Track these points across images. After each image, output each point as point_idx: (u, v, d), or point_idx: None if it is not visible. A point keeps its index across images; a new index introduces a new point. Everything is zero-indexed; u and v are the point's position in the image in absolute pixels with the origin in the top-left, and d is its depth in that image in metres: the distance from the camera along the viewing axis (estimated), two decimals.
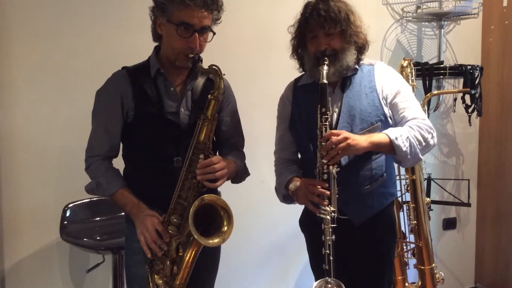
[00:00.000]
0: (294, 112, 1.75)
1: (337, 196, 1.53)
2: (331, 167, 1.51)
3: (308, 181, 1.58)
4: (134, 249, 1.61)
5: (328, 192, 1.51)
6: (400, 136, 1.54)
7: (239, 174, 1.72)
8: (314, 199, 1.53)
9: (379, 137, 1.55)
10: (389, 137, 1.53)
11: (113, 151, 1.66)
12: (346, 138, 1.47)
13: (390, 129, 1.59)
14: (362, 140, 1.51)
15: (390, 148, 1.54)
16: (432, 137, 1.61)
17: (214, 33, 1.59)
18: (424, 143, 1.59)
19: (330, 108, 1.54)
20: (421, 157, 1.61)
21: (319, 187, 1.52)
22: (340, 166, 1.55)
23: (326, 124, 1.51)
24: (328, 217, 1.49)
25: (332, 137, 1.47)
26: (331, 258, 1.50)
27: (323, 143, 1.50)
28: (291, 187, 1.67)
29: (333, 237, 1.51)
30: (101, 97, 1.64)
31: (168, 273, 1.50)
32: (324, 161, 1.50)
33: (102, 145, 1.63)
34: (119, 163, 1.70)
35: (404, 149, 1.53)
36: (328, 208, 1.50)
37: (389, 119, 1.64)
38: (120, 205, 1.62)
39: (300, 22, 1.66)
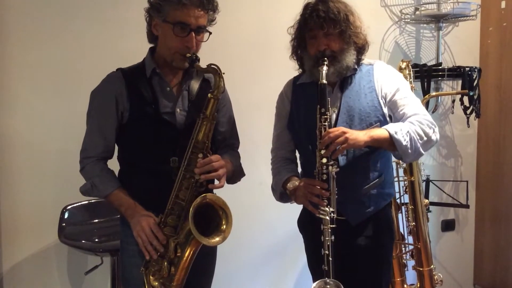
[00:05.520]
0: (292, 110, 1.75)
1: (336, 197, 1.53)
2: (330, 167, 1.50)
3: (307, 181, 1.58)
4: (130, 251, 1.61)
5: (327, 193, 1.51)
6: (400, 130, 1.53)
7: (235, 174, 1.72)
8: (313, 199, 1.53)
9: (379, 131, 1.54)
10: (389, 132, 1.52)
11: (107, 152, 1.65)
12: (343, 133, 1.47)
13: (390, 124, 1.58)
14: (361, 134, 1.50)
15: (390, 143, 1.53)
16: (434, 132, 1.59)
17: (210, 33, 1.59)
18: (425, 138, 1.56)
19: (330, 108, 1.54)
20: (423, 151, 1.58)
21: (319, 187, 1.51)
22: (338, 166, 1.55)
23: (325, 125, 1.51)
24: (327, 217, 1.49)
25: (330, 133, 1.47)
26: (331, 259, 1.49)
27: (320, 141, 1.49)
28: (289, 186, 1.67)
29: (332, 237, 1.50)
30: (95, 98, 1.64)
31: (165, 274, 1.50)
32: (324, 161, 1.50)
33: (96, 146, 1.62)
34: (115, 166, 1.69)
35: (404, 143, 1.52)
36: (327, 209, 1.49)
37: (388, 119, 1.64)
38: (115, 206, 1.61)
39: (299, 22, 1.66)
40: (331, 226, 1.50)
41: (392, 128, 1.53)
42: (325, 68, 1.54)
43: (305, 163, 1.77)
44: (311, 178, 1.56)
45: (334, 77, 1.62)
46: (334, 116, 1.63)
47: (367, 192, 1.66)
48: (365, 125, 1.61)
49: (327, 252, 1.49)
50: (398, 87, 1.65)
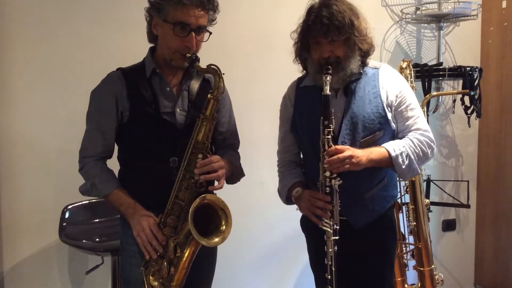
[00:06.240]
0: (295, 114, 1.74)
1: (339, 208, 1.54)
2: (333, 180, 1.52)
3: (311, 193, 1.59)
4: (130, 252, 1.61)
5: (330, 206, 1.52)
6: (401, 154, 1.55)
7: (234, 174, 1.72)
8: (316, 211, 1.55)
9: (380, 154, 1.56)
10: (390, 155, 1.55)
11: (107, 151, 1.65)
12: (351, 157, 1.48)
13: (391, 144, 1.58)
14: (364, 158, 1.51)
15: (390, 164, 1.56)
16: (432, 151, 1.64)
17: (210, 33, 1.59)
18: (423, 158, 1.62)
19: (333, 120, 1.52)
20: (419, 171, 1.65)
21: (322, 200, 1.53)
22: (341, 174, 1.54)
23: (328, 138, 1.50)
24: (330, 230, 1.51)
25: (338, 155, 1.48)
26: (333, 269, 1.51)
27: (326, 157, 1.49)
28: (293, 194, 1.68)
29: (336, 248, 1.52)
30: (95, 98, 1.63)
31: (165, 274, 1.50)
32: (327, 174, 1.51)
33: (96, 146, 1.62)
34: (115, 166, 1.69)
35: (403, 166, 1.56)
36: (330, 221, 1.51)
37: (392, 124, 1.63)
38: (115, 206, 1.61)
39: (302, 28, 1.62)
40: (334, 238, 1.52)
41: (393, 151, 1.55)
42: (328, 78, 1.52)
43: (307, 165, 1.77)
44: (314, 191, 1.58)
45: (338, 84, 1.61)
46: (337, 122, 1.61)
47: (370, 196, 1.66)
48: (369, 132, 1.60)
49: (330, 262, 1.51)
50: (403, 96, 1.64)
